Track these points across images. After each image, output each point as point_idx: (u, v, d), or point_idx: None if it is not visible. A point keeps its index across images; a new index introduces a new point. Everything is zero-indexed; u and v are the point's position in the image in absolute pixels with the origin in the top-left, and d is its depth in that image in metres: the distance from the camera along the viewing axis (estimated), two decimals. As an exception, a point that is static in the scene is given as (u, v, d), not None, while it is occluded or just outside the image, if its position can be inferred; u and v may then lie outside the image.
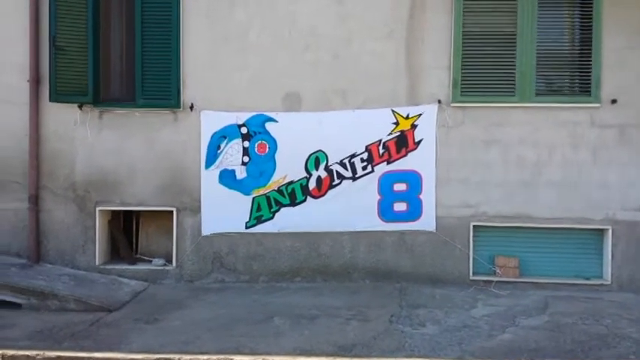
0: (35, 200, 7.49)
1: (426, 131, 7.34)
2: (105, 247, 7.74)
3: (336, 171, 7.43)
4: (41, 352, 5.24)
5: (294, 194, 7.47)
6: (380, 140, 7.37)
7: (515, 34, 7.25)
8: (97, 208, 7.57)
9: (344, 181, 7.43)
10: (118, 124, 7.57)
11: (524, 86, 7.27)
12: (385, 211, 7.40)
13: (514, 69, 7.27)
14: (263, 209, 7.48)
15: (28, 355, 5.21)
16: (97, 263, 7.55)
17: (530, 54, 7.24)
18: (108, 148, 7.56)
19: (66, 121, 7.55)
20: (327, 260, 7.48)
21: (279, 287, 7.29)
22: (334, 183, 7.44)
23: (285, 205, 7.48)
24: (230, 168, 7.50)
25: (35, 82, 7.47)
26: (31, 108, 7.48)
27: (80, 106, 7.50)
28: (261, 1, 7.45)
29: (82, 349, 5.30)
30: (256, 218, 7.48)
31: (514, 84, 7.28)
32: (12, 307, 6.54)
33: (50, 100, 7.43)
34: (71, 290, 6.73)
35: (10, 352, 5.24)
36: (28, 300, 6.56)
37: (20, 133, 7.53)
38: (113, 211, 7.79)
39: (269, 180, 7.49)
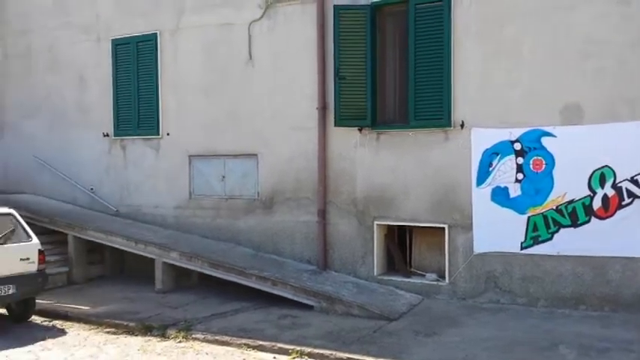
0: (323, 214, 8.42)
1: None
2: (382, 259, 8.27)
3: (627, 189, 6.69)
4: (333, 352, 5.83)
5: (575, 214, 6.96)
6: (684, 154, 6.43)
7: None
8: (375, 223, 8.15)
9: (636, 201, 6.65)
10: (392, 145, 8.06)
11: None
12: (693, 236, 6.40)
13: None
14: (540, 229, 7.13)
15: (322, 354, 5.85)
16: (375, 274, 8.12)
17: None
18: (384, 167, 8.10)
19: (348, 143, 8.33)
20: (616, 288, 6.77)
21: (561, 314, 6.85)
22: (624, 202, 6.71)
23: (565, 226, 7.01)
24: (503, 185, 7.35)
25: (322, 109, 8.43)
26: (319, 132, 8.45)
27: (360, 130, 8.20)
28: (532, 15, 7.20)
29: (368, 354, 5.74)
30: (532, 238, 7.16)
31: None
32: (305, 308, 7.42)
33: (335, 125, 8.29)
34: (354, 297, 7.36)
35: (308, 349, 5.95)
36: (319, 303, 7.38)
37: (310, 154, 8.56)
38: (389, 226, 8.29)
39: (546, 198, 7.11)
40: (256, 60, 9.01)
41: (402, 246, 8.40)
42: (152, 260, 8.67)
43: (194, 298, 8.14)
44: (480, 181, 7.49)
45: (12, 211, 7.54)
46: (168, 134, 9.77)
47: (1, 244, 7.01)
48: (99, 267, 9.80)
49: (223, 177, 9.33)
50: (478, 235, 7.46)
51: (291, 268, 8.33)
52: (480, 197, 7.46)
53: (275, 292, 7.66)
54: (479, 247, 7.47)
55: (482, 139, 7.47)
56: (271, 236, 8.87)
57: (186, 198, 9.63)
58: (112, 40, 10.14)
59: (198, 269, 8.37)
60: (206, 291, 8.46)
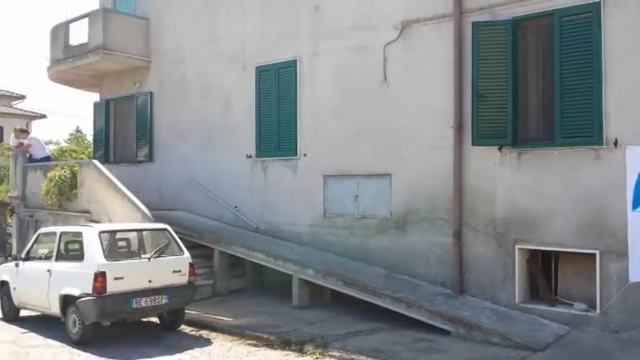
0: (458, 235, 8.18)
1: None
2: (524, 285, 7.81)
3: None
4: (472, 381, 5.63)
5: None
6: None
7: None
8: (516, 247, 7.74)
9: None
10: (535, 164, 7.65)
11: None
12: None
13: None
14: None
15: (460, 382, 5.67)
16: (516, 301, 7.69)
17: None
18: (526, 187, 7.69)
19: (485, 163, 8.04)
20: None
21: None
22: None
23: None
24: (663, 209, 6.66)
25: (458, 128, 8.24)
26: (454, 151, 8.26)
27: (499, 148, 7.89)
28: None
29: (510, 386, 5.46)
30: (703, 269, 6.38)
31: None
32: (440, 332, 7.21)
33: (472, 144, 8.06)
34: (494, 325, 7.02)
35: (446, 376, 5.80)
36: (455, 328, 7.14)
37: (444, 174, 8.37)
38: (531, 250, 7.82)
39: None
40: (391, 80, 9.06)
41: (546, 272, 7.87)
42: (288, 275, 8.99)
43: (329, 315, 8.29)
44: (637, 204, 6.80)
45: (167, 226, 8.27)
46: (305, 155, 10.13)
47: (157, 257, 7.69)
48: (240, 280, 10.35)
49: (357, 196, 9.45)
50: (635, 263, 6.76)
51: (425, 290, 8.17)
52: (637, 222, 6.77)
53: (409, 314, 7.55)
54: (635, 276, 6.77)
55: (638, 158, 6.83)
56: (404, 257, 8.78)
57: (321, 216, 9.88)
58: (256, 67, 10.79)
59: (333, 287, 8.52)
60: (339, 309, 8.57)
